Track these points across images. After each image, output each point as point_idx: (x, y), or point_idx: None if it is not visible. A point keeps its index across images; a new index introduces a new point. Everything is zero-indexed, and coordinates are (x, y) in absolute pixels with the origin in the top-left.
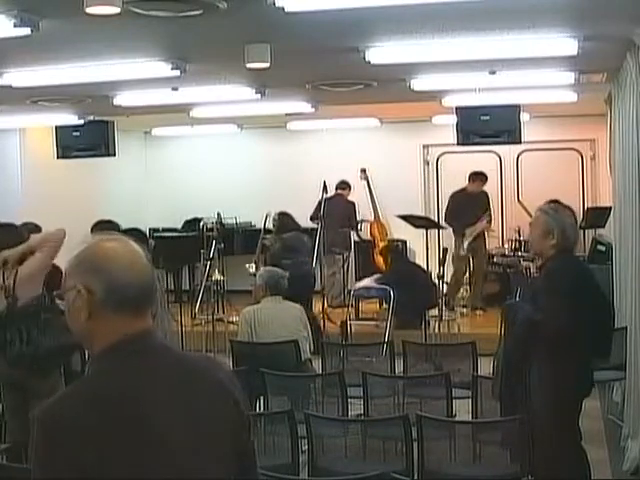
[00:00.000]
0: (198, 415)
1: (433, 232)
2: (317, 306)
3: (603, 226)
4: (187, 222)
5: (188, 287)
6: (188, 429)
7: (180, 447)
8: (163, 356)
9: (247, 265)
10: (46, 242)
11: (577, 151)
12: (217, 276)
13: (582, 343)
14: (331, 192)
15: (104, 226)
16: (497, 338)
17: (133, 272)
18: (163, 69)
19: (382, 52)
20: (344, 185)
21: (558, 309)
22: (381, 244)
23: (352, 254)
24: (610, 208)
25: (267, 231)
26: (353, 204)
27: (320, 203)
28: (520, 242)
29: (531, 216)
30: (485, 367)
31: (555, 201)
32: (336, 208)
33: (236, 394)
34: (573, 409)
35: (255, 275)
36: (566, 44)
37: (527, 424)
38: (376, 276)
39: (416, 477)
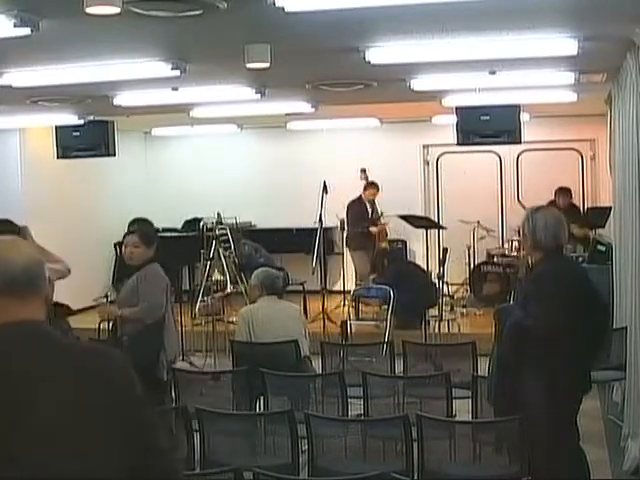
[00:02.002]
0: (66, 400)
1: (433, 232)
2: (317, 306)
3: (603, 226)
4: (187, 222)
5: (188, 287)
6: (50, 412)
7: (37, 430)
8: (40, 345)
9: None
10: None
11: (577, 151)
12: (217, 276)
13: (575, 345)
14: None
15: (141, 224)
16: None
17: (10, 264)
18: (163, 69)
19: (382, 52)
20: (365, 185)
21: (546, 315)
22: (381, 244)
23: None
24: (610, 208)
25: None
26: (362, 203)
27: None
28: (520, 242)
29: None
30: (485, 367)
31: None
32: (352, 209)
33: (126, 386)
34: (569, 410)
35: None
36: (566, 44)
37: (525, 425)
38: (372, 276)
39: (416, 477)
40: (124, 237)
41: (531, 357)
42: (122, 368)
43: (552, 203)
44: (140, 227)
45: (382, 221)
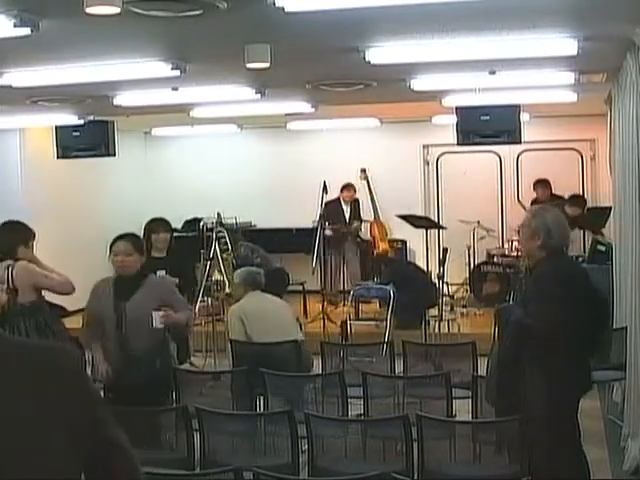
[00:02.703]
0: (12, 398)
1: (433, 232)
2: (317, 306)
3: (603, 226)
4: (187, 222)
5: (195, 287)
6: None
7: None
8: None
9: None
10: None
11: (577, 151)
12: (217, 276)
13: (575, 344)
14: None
15: (159, 223)
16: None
17: None
18: (163, 69)
19: (382, 52)
20: (342, 186)
21: (547, 314)
22: (381, 244)
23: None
24: (610, 208)
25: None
26: (339, 204)
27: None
28: (520, 242)
29: None
30: (485, 367)
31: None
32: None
33: (76, 384)
34: (570, 409)
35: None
36: (566, 44)
37: (525, 424)
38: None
39: (416, 477)
40: (112, 244)
41: (532, 356)
42: (72, 365)
43: (536, 201)
44: (131, 234)
45: (363, 222)
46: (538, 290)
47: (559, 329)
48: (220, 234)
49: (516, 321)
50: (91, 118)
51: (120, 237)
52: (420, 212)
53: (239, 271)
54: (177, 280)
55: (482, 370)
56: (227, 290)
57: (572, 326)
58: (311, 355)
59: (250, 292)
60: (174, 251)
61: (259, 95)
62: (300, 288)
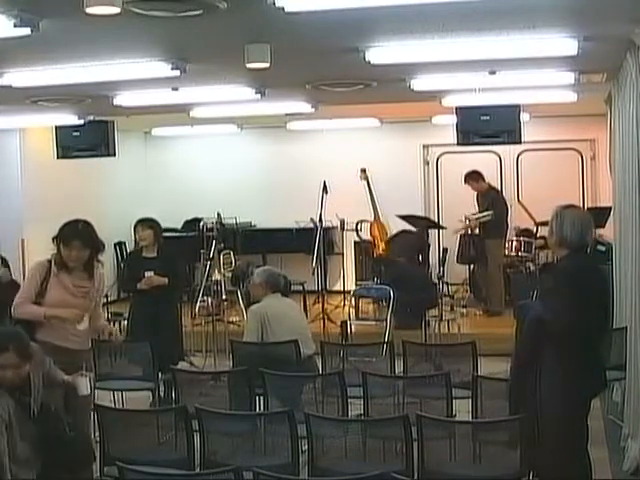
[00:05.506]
0: None
1: (433, 232)
2: (317, 306)
3: (603, 226)
4: (187, 222)
5: (188, 287)
6: None
7: None
8: None
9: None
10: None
11: (577, 151)
12: (217, 276)
13: (591, 343)
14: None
15: (139, 222)
16: (499, 338)
17: None
18: (163, 69)
19: (382, 52)
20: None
21: (564, 310)
22: (381, 244)
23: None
24: (610, 208)
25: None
26: None
27: None
28: (520, 242)
29: (531, 216)
30: (485, 367)
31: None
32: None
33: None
34: (582, 409)
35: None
36: (566, 44)
37: (535, 423)
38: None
39: (416, 477)
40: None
41: (549, 352)
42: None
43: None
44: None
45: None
46: (556, 285)
47: (575, 325)
48: (225, 253)
49: (535, 317)
50: (91, 118)
51: None
52: (420, 212)
53: (259, 270)
54: (166, 280)
55: (482, 370)
56: (224, 295)
57: (589, 324)
58: (318, 366)
59: (270, 294)
60: (164, 251)
61: (259, 95)
62: (300, 288)
